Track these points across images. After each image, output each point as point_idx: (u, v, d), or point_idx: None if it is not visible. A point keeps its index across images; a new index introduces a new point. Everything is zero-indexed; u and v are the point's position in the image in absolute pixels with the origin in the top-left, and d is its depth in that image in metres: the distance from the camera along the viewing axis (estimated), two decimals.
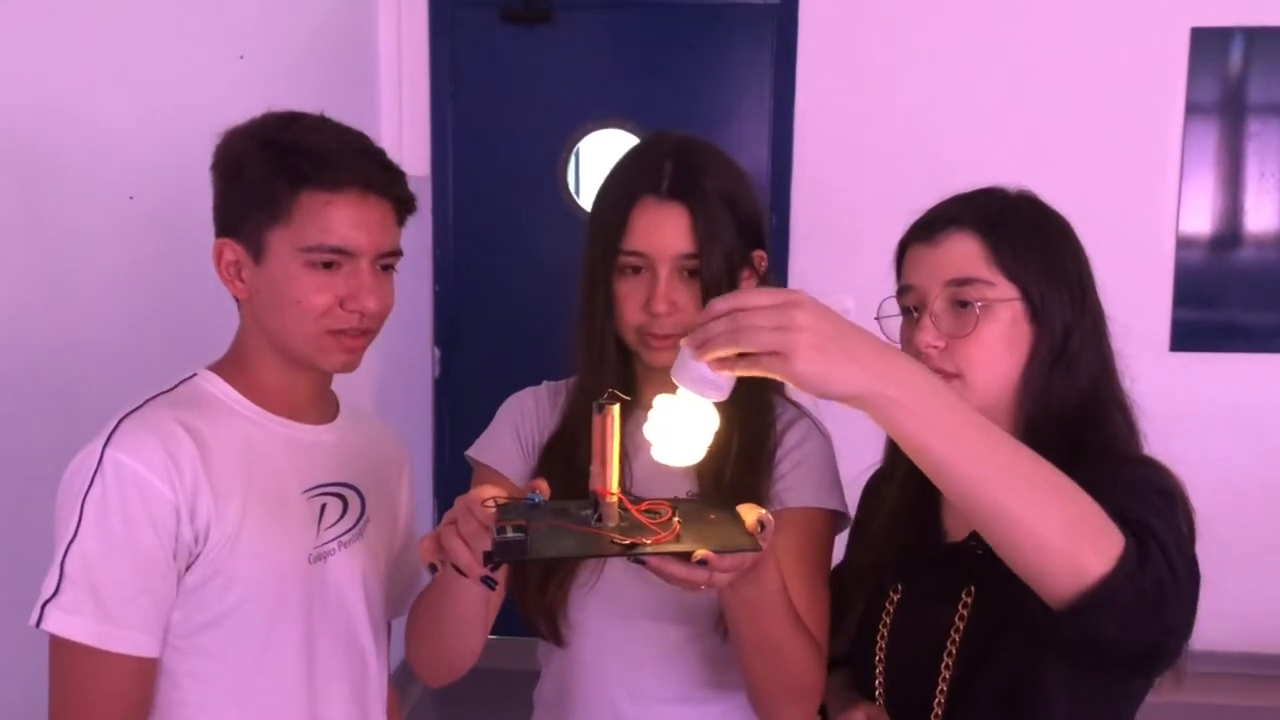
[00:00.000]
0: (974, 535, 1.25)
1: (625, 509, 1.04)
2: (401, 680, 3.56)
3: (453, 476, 3.98)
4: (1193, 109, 3.65)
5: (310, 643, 1.31)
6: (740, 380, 1.33)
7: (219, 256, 1.28)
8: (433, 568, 1.08)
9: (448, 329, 4.01)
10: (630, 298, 1.31)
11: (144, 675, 1.20)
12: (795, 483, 1.34)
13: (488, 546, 0.99)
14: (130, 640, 1.17)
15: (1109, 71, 3.62)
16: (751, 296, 0.93)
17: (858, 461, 1.46)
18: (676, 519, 1.03)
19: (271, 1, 2.80)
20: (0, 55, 1.81)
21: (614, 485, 1.03)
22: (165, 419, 1.22)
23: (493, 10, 3.79)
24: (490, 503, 1.02)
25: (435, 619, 1.25)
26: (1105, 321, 1.28)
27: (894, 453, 1.37)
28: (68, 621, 1.16)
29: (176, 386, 1.29)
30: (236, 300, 1.32)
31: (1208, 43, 3.61)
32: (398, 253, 1.31)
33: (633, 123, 3.75)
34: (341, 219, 1.24)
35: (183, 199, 2.26)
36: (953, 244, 1.24)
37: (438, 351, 4.01)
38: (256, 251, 1.26)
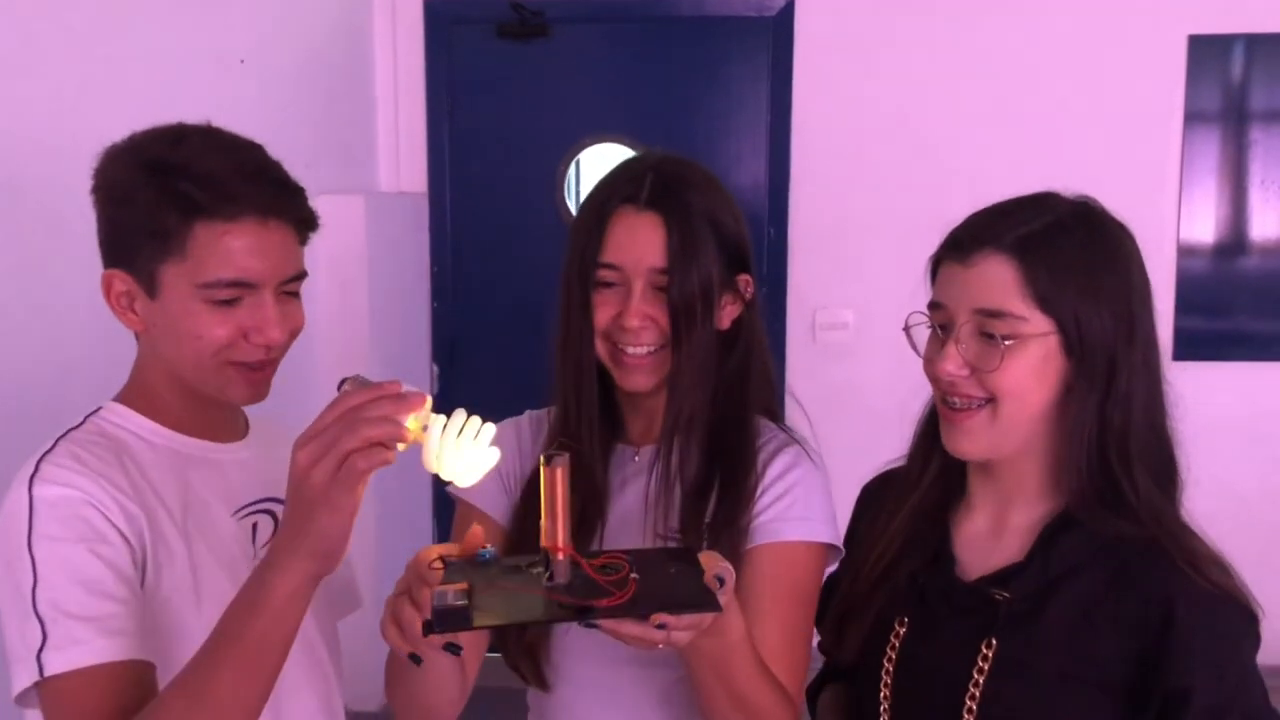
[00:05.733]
0: (994, 579, 1.20)
1: (579, 566, 0.98)
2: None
3: (452, 499, 3.94)
4: (1193, 117, 3.63)
5: None
6: (720, 410, 1.29)
7: (108, 288, 1.21)
8: (413, 658, 1.01)
9: (446, 347, 3.98)
10: (604, 308, 1.26)
11: (148, 676, 1.12)
12: (777, 516, 1.25)
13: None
14: (136, 646, 1.10)
15: (1106, 81, 3.61)
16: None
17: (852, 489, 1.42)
18: (633, 575, 0.97)
19: (267, 21, 2.79)
20: None
21: (565, 541, 0.97)
22: (82, 454, 1.16)
23: (489, 26, 3.78)
24: (439, 563, 0.96)
25: (408, 684, 1.20)
26: (1158, 352, 1.18)
27: (922, 457, 1.28)
28: (72, 654, 1.06)
29: (84, 423, 1.23)
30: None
31: (1206, 51, 3.59)
32: (301, 275, 1.24)
33: (630, 137, 3.74)
34: (239, 249, 1.15)
35: None
36: (985, 267, 1.13)
37: (436, 369, 3.99)
38: (150, 286, 1.18)
